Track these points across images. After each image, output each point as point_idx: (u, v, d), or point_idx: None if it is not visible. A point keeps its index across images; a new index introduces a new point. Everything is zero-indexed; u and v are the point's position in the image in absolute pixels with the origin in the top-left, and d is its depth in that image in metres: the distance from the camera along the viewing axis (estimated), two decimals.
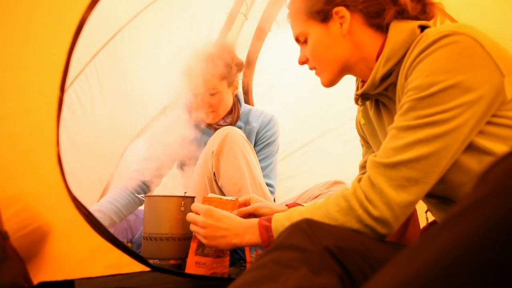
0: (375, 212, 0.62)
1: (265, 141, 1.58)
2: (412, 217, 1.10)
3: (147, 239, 1.08)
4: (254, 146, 1.58)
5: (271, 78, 2.13)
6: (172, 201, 1.07)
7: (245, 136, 1.35)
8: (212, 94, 1.46)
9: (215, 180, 1.30)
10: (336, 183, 1.41)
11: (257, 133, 1.59)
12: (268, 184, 1.44)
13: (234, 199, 1.02)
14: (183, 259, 1.13)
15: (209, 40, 1.76)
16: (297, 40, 0.84)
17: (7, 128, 0.81)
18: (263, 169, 1.51)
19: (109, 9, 1.56)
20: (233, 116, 1.55)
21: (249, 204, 1.05)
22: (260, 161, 1.52)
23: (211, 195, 1.05)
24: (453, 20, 1.47)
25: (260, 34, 2.03)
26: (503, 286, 0.28)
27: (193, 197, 1.12)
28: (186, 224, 1.03)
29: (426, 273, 0.31)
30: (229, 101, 1.53)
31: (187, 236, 1.08)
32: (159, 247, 1.05)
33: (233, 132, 1.29)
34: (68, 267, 0.92)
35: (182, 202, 1.07)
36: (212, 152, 1.28)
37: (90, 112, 1.68)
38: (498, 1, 1.32)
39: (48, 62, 0.84)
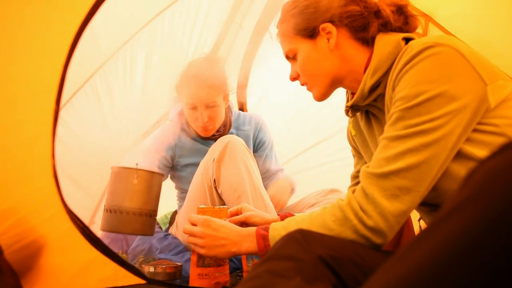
0: (369, 222, 0.63)
1: (263, 143, 1.63)
2: (407, 224, 1.11)
3: (104, 211, 1.07)
4: (256, 150, 1.60)
5: (265, 85, 2.15)
6: (125, 173, 1.05)
7: (245, 145, 1.36)
8: (211, 107, 1.46)
9: (215, 187, 1.31)
10: (332, 191, 1.42)
11: (253, 136, 1.61)
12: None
13: (226, 207, 1.04)
14: (177, 267, 1.13)
15: (203, 53, 1.77)
16: (287, 57, 0.86)
17: (2, 141, 0.81)
18: (275, 170, 1.52)
19: (109, 27, 1.58)
20: (225, 124, 1.57)
21: (241, 213, 1.06)
22: (269, 163, 1.56)
23: (202, 206, 1.05)
24: (442, 28, 1.50)
25: (254, 44, 2.05)
26: (488, 285, 0.29)
27: (147, 171, 1.08)
28: (139, 199, 1.02)
29: (414, 275, 0.32)
30: (223, 113, 1.54)
31: (138, 212, 1.05)
32: (113, 220, 1.03)
33: (235, 140, 1.31)
34: (63, 281, 0.91)
35: (136, 174, 1.05)
36: (214, 159, 1.29)
37: (88, 126, 1.68)
38: (485, 9, 1.35)
39: (43, 75, 0.84)
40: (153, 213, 1.08)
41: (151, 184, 1.06)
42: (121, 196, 1.04)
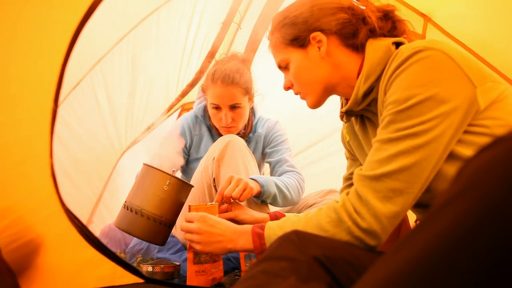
0: (363, 224, 0.63)
1: (277, 141, 1.59)
2: (405, 225, 1.11)
3: (124, 208, 1.00)
4: (267, 148, 1.59)
5: (263, 85, 2.15)
6: (157, 175, 0.98)
7: (246, 145, 1.36)
8: (235, 109, 1.43)
9: (214, 186, 1.31)
10: (331, 191, 1.42)
11: (265, 137, 1.59)
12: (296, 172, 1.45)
13: (216, 204, 1.05)
14: (175, 266, 1.13)
15: (231, 51, 1.74)
16: (279, 67, 0.88)
17: (0, 140, 0.81)
18: (283, 161, 1.50)
19: (106, 24, 1.58)
20: (246, 127, 1.55)
21: (231, 210, 1.08)
22: (278, 155, 1.53)
23: (193, 204, 1.05)
24: (441, 29, 1.51)
25: (252, 45, 2.05)
26: (477, 279, 0.29)
27: (180, 180, 1.02)
28: (164, 207, 0.98)
29: (406, 272, 0.32)
30: (247, 115, 1.52)
31: (158, 220, 0.99)
32: (131, 221, 0.97)
33: (235, 140, 1.31)
34: (61, 280, 0.92)
35: (168, 181, 0.97)
36: (213, 158, 1.29)
37: (85, 124, 1.68)
38: (484, 10, 1.35)
39: (42, 74, 0.84)
40: (171, 224, 1.01)
41: (180, 194, 1.00)
42: (146, 198, 0.97)
